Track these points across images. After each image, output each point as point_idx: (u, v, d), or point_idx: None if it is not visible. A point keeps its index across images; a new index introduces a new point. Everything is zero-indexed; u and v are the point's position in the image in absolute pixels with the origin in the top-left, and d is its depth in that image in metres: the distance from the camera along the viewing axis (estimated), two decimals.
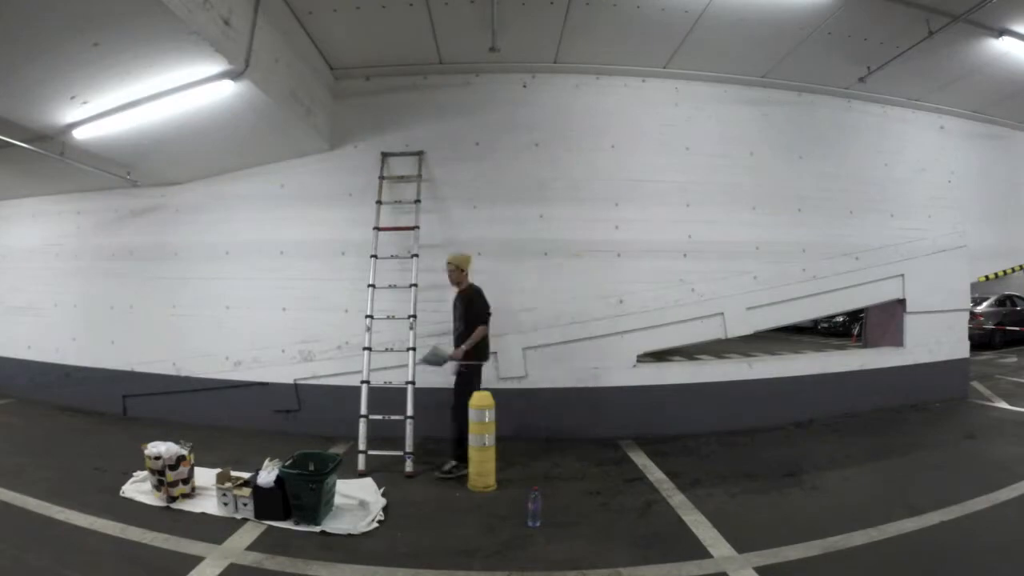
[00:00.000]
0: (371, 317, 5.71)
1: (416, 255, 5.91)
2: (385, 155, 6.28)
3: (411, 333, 5.60)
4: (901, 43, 5.81)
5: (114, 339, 6.96)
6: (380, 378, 5.59)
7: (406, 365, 5.48)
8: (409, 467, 5.05)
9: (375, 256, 5.95)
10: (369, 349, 5.59)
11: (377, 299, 5.81)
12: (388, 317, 5.76)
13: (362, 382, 5.47)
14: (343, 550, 3.58)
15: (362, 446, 5.16)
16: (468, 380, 5.04)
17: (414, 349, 5.53)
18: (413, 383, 5.40)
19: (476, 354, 5.10)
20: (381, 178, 6.20)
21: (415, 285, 5.79)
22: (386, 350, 5.63)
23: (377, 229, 6.05)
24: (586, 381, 6.16)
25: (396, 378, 5.53)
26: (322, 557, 3.48)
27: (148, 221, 6.97)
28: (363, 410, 5.33)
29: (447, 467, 4.96)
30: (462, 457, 4.86)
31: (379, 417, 5.29)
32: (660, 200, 6.40)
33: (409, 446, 5.11)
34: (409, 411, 5.26)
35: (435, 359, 5.09)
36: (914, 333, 7.27)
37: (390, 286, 5.86)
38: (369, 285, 5.83)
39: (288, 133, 5.89)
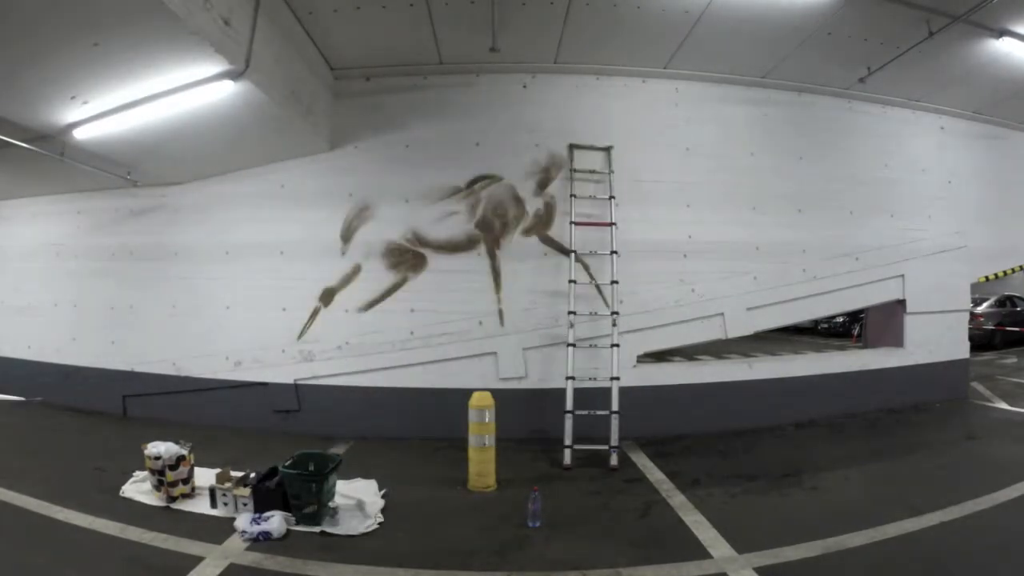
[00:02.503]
0: (574, 313, 5.76)
1: (616, 252, 6.00)
2: (573, 147, 6.27)
3: (614, 329, 5.75)
4: (901, 44, 5.81)
5: (114, 339, 6.96)
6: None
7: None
8: (614, 461, 5.17)
9: (574, 251, 5.97)
10: (573, 345, 5.66)
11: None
12: (591, 314, 5.89)
13: (567, 378, 5.55)
14: (343, 550, 3.58)
15: (568, 441, 5.26)
16: None
17: (618, 346, 5.66)
18: (618, 379, 5.51)
19: None
20: (572, 171, 6.21)
21: (616, 282, 5.91)
22: (590, 346, 5.80)
23: (573, 224, 6.05)
24: (586, 381, 6.15)
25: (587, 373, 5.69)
26: (322, 557, 3.48)
27: (148, 221, 6.96)
28: (568, 406, 5.41)
29: None
30: None
31: (584, 412, 5.36)
32: (660, 200, 6.40)
33: (615, 440, 5.25)
34: (614, 406, 5.41)
35: None
36: (914, 334, 7.27)
37: (591, 282, 6.10)
38: (570, 281, 5.90)
39: (288, 133, 5.89)
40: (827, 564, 3.37)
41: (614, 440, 5.27)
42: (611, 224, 6.06)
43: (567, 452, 5.22)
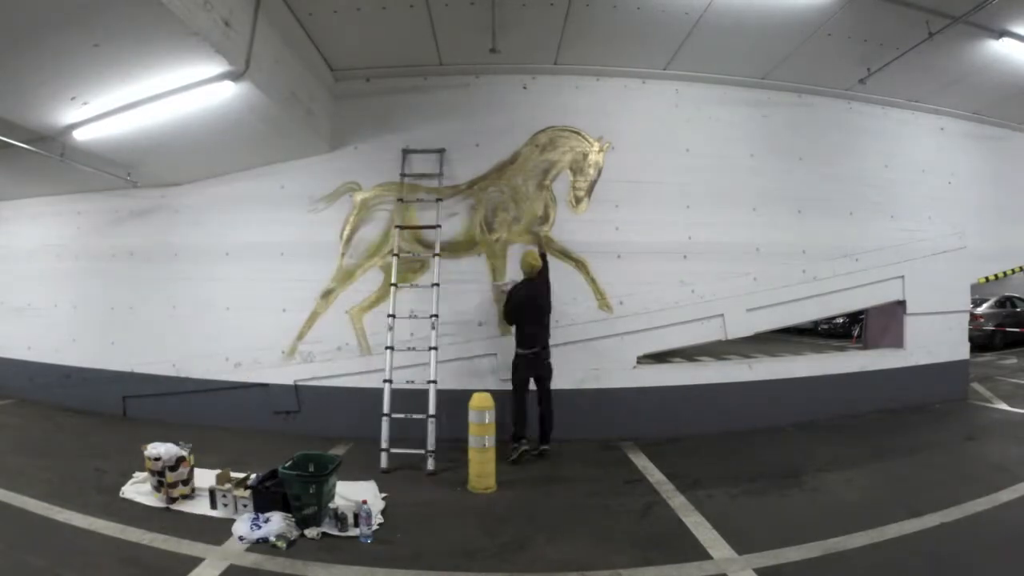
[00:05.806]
0: (393, 316, 5.71)
1: (438, 254, 5.93)
2: (406, 152, 6.26)
3: (433, 332, 5.62)
4: (901, 45, 5.81)
5: (114, 340, 6.96)
6: (396, 377, 5.59)
7: (427, 363, 5.51)
8: (431, 465, 5.06)
9: (396, 255, 5.96)
10: (391, 348, 5.58)
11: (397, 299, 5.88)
12: (411, 316, 5.83)
13: (384, 381, 5.47)
14: (343, 551, 3.58)
15: (384, 444, 5.17)
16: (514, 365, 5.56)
17: (436, 348, 5.57)
18: (435, 382, 5.43)
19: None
20: (402, 175, 6.20)
21: (437, 284, 5.82)
22: (409, 349, 5.65)
23: (399, 227, 6.06)
24: (586, 382, 6.15)
25: (417, 377, 5.54)
26: (322, 559, 3.47)
27: (148, 222, 6.97)
28: (385, 409, 5.34)
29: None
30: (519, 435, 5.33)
31: (401, 416, 5.30)
32: (660, 201, 6.39)
33: (431, 444, 5.12)
34: (431, 410, 5.29)
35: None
36: (914, 334, 7.26)
37: (412, 285, 5.98)
38: (391, 284, 5.84)
39: (288, 134, 5.89)
40: (827, 565, 3.36)
41: (431, 444, 5.10)
42: (437, 227, 6.02)
43: (383, 455, 5.10)
